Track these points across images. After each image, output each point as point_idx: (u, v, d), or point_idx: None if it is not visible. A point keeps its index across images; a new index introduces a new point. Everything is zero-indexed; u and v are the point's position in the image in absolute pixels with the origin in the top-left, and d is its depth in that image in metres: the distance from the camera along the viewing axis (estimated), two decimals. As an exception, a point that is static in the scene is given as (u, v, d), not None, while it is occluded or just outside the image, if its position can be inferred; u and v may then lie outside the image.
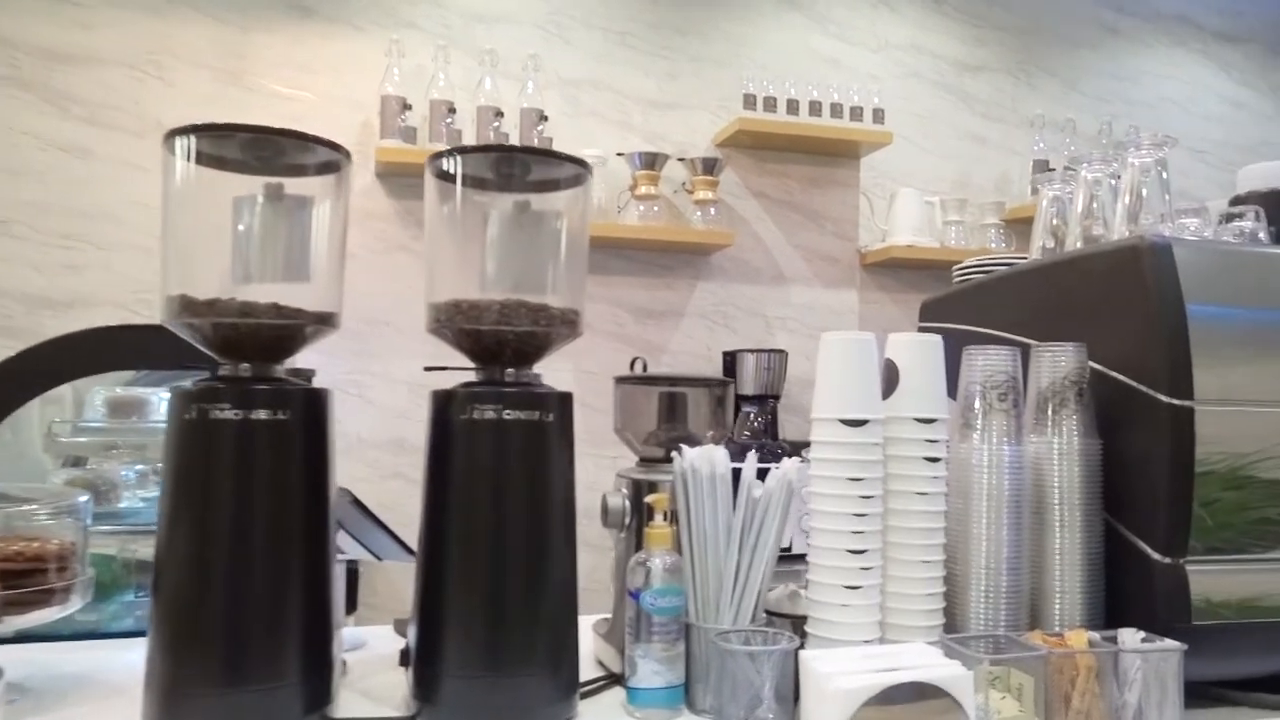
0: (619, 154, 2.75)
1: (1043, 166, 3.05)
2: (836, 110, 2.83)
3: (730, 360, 2.77)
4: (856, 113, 2.85)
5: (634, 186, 2.72)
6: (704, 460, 1.02)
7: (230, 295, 0.90)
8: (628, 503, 1.08)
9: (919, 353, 1.00)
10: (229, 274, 0.92)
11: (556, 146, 2.71)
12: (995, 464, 1.01)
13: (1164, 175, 1.09)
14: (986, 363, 1.03)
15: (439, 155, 0.98)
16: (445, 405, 0.95)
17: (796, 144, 2.90)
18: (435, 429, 0.96)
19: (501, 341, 0.96)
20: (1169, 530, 0.98)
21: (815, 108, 2.81)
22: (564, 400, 0.97)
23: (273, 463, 0.89)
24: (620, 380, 1.14)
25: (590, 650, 1.17)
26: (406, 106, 2.61)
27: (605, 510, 1.08)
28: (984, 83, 3.22)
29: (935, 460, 0.99)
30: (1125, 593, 1.02)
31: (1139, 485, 1.01)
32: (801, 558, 1.01)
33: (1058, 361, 1.05)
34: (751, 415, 2.62)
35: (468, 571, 0.92)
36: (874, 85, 2.98)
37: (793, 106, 2.80)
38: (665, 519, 1.00)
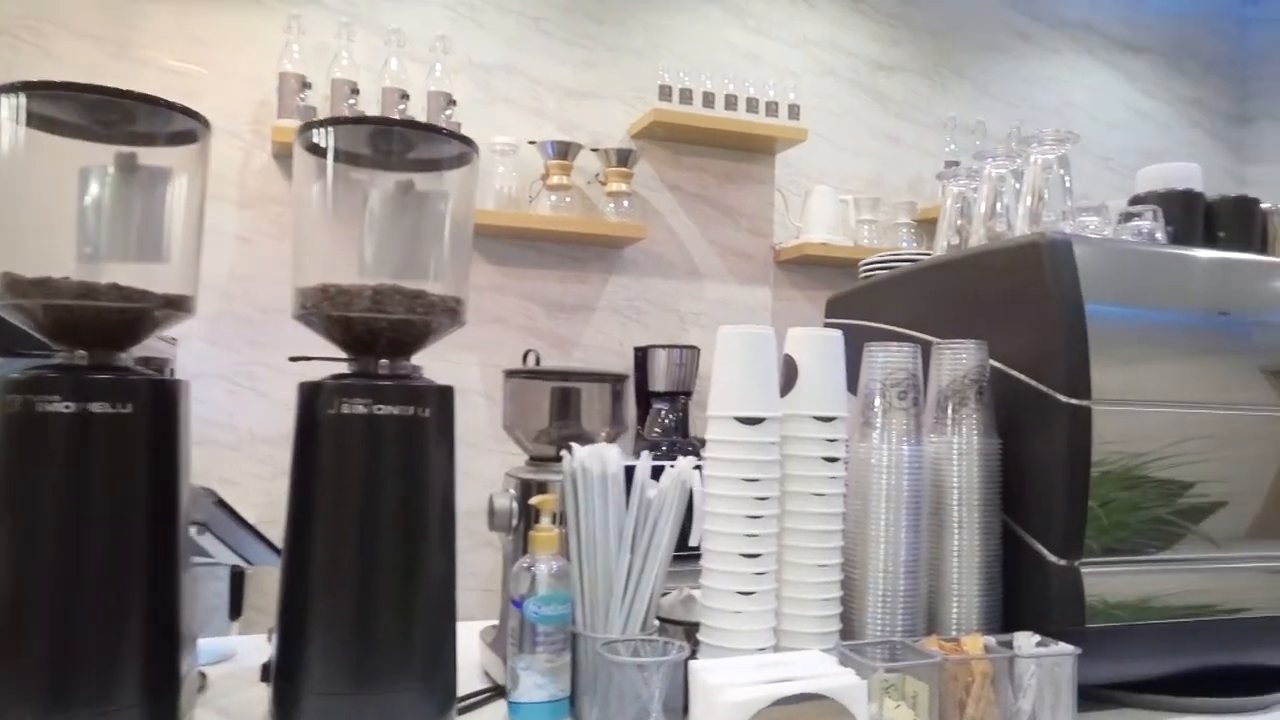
0: (531, 142, 2.68)
1: (954, 169, 3.08)
2: (753, 105, 2.81)
3: (642, 356, 2.72)
4: (772, 108, 2.83)
5: (546, 176, 2.65)
6: (595, 459, 0.97)
7: (65, 275, 0.81)
8: (515, 504, 1.02)
9: (818, 349, 0.96)
10: (67, 252, 0.83)
11: (466, 132, 2.62)
12: (894, 464, 0.98)
13: (1065, 173, 1.08)
14: (887, 360, 1.00)
15: (309, 126, 0.91)
16: (312, 399, 0.87)
17: (712, 138, 2.87)
18: (301, 424, 0.89)
19: (374, 330, 0.88)
20: (1065, 532, 0.96)
21: (731, 101, 2.78)
22: (443, 395, 0.91)
23: (111, 461, 0.80)
24: (510, 374, 1.08)
25: (477, 661, 1.11)
26: (306, 85, 2.49)
27: (492, 512, 1.02)
28: (898, 83, 3.24)
29: (834, 460, 0.95)
30: (1022, 595, 1.00)
31: (1037, 486, 1.00)
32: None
33: (958, 359, 1.03)
34: (663, 412, 2.58)
35: (333, 579, 0.85)
36: (791, 81, 2.97)
37: (709, 100, 2.76)
38: (553, 521, 0.95)
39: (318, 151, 0.92)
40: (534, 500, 0.94)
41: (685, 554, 0.98)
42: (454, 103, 2.58)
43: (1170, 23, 3.69)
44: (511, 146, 2.63)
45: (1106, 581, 0.97)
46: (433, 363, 2.52)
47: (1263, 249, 1.19)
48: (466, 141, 0.95)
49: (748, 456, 0.91)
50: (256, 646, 1.16)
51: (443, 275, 0.94)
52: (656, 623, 0.98)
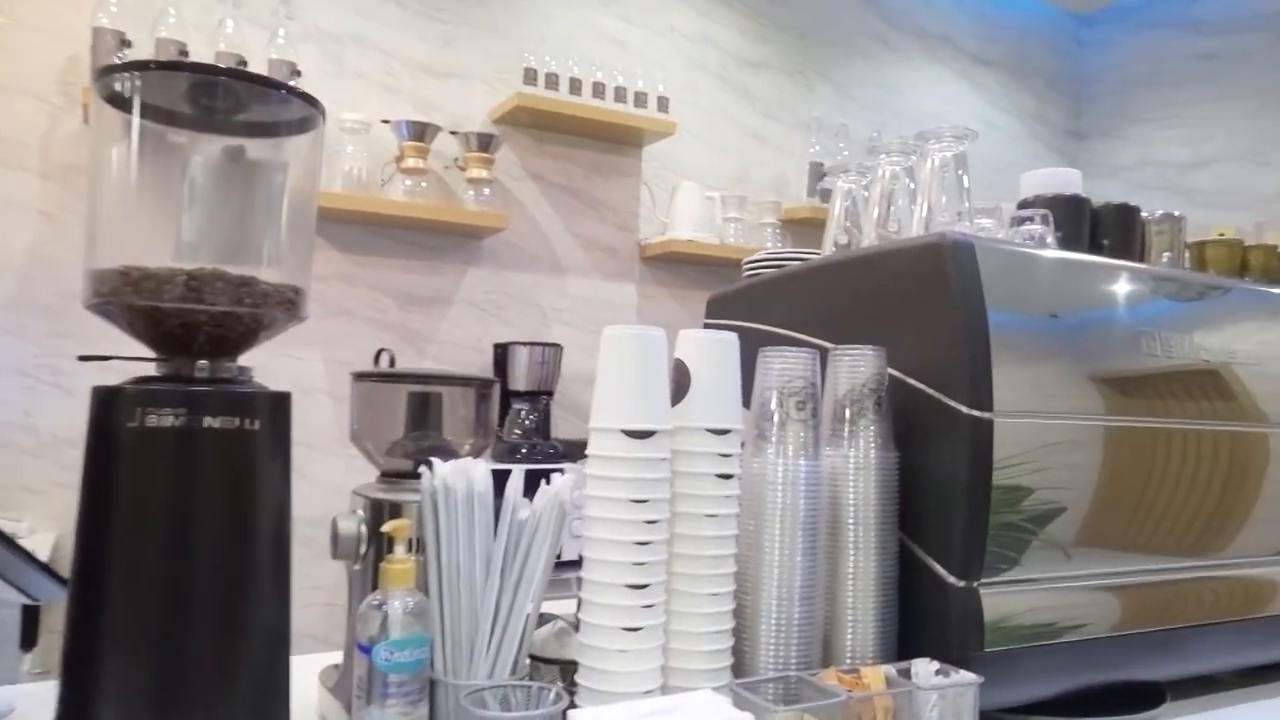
0: (384, 121, 2.49)
1: (818, 170, 3.09)
2: (620, 95, 2.71)
3: (502, 353, 2.58)
4: (641, 99, 2.75)
5: (400, 158, 2.47)
6: (459, 476, 0.84)
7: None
8: (364, 528, 0.88)
9: (713, 353, 0.87)
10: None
11: (312, 107, 2.41)
12: (791, 480, 0.90)
13: (963, 173, 1.03)
14: (784, 367, 0.92)
15: (111, 71, 0.74)
16: (107, 407, 0.71)
17: (579, 126, 2.76)
18: (94, 439, 0.72)
19: (190, 325, 0.73)
20: (964, 552, 0.91)
21: (599, 89, 2.68)
22: (277, 403, 0.76)
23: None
24: (360, 377, 0.94)
25: (314, 705, 0.96)
26: (125, 43, 2.21)
27: (335, 538, 0.87)
28: (765, 81, 3.22)
29: (729, 478, 0.86)
30: (919, 618, 0.94)
31: (936, 503, 0.94)
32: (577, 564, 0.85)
33: (856, 367, 0.96)
34: (523, 413, 2.45)
35: (133, 622, 0.69)
36: (659, 73, 2.89)
37: (576, 86, 2.65)
38: (409, 550, 0.82)
39: (121, 104, 0.75)
40: (386, 526, 0.81)
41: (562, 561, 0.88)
42: (298, 73, 2.36)
43: (1016, 39, 3.84)
44: (363, 125, 2.44)
45: (1004, 602, 0.92)
46: (268, 359, 2.30)
47: (1141, 257, 1.18)
48: (311, 102, 0.81)
49: (636, 474, 0.81)
50: (44, 697, 0.97)
51: (279, 260, 0.79)
52: (528, 662, 0.86)
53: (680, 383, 0.87)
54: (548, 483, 0.86)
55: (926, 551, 0.94)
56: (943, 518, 0.93)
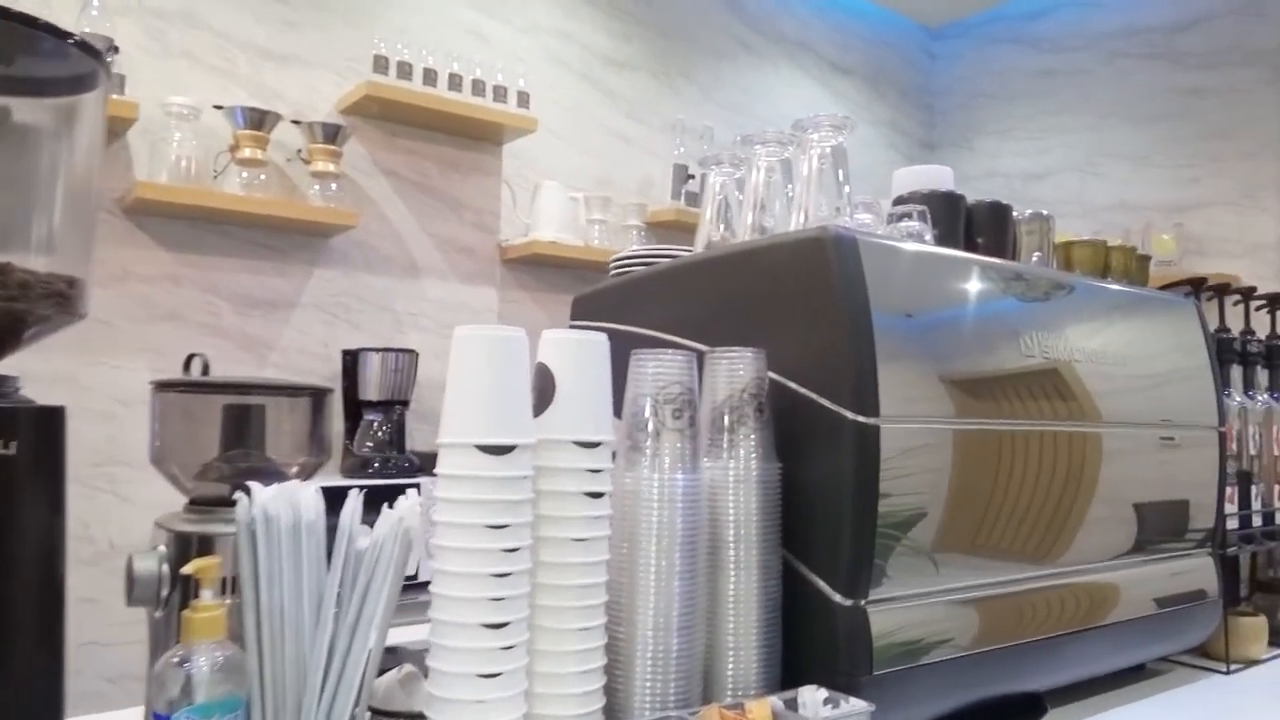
0: (217, 107, 2.28)
1: (683, 172, 3.05)
2: (479, 88, 2.59)
3: (351, 360, 2.41)
4: (500, 93, 2.63)
5: (235, 148, 2.26)
6: (283, 503, 0.71)
7: None
8: (166, 568, 0.74)
9: (580, 356, 0.78)
10: None
11: (134, 89, 2.18)
12: (668, 496, 0.81)
13: (842, 166, 0.97)
14: (659, 371, 0.83)
15: None
16: None
17: (435, 120, 2.61)
18: None
19: (-80, 324, 0.58)
20: (851, 568, 0.85)
21: (455, 81, 2.54)
22: (44, 420, 0.62)
23: None
24: (161, 387, 0.79)
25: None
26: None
27: (130, 580, 0.73)
28: (629, 81, 3.16)
29: (599, 496, 0.77)
30: (805, 641, 0.88)
31: (820, 516, 0.87)
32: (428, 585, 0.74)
33: (735, 370, 0.88)
34: (375, 424, 2.29)
35: None
36: (520, 67, 2.78)
37: (430, 77, 2.50)
38: (220, 592, 0.69)
39: None
40: (189, 567, 0.67)
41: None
42: (116, 50, 2.13)
43: (872, 49, 3.93)
44: (192, 110, 2.22)
45: (893, 620, 0.86)
46: (84, 368, 2.05)
47: (1014, 256, 1.16)
48: (92, 54, 0.66)
49: (493, 496, 0.70)
50: None
51: (49, 246, 0.65)
52: (369, 718, 0.74)
53: (543, 390, 0.77)
54: (390, 507, 0.74)
55: (812, 569, 0.88)
56: (828, 532, 0.86)
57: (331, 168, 2.38)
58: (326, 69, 2.54)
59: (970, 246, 1.12)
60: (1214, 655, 1.31)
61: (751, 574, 0.86)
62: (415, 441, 2.39)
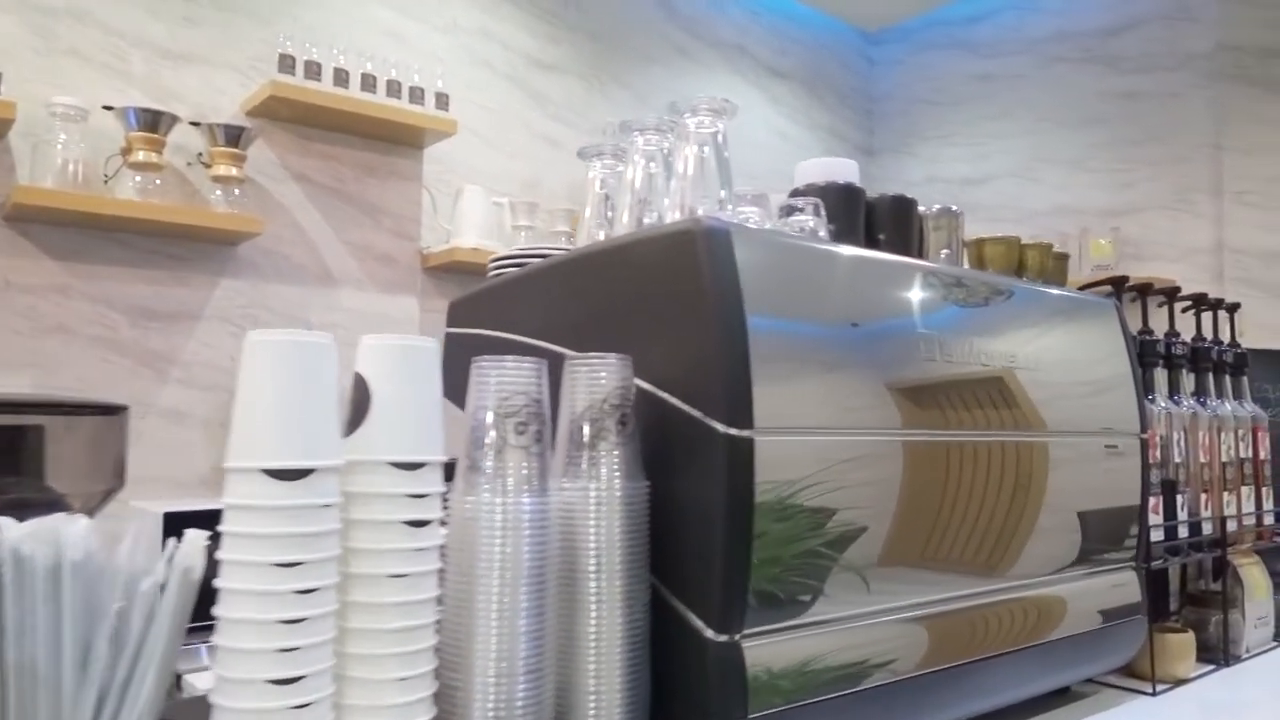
0: (107, 108, 2.15)
1: (613, 176, 2.96)
2: (394, 89, 2.48)
3: (259, 373, 2.28)
4: (417, 94, 2.52)
5: (127, 151, 2.13)
6: (40, 542, 0.61)
7: None
8: (-98, 620, 0.62)
9: (402, 364, 0.68)
10: None
11: (15, 88, 2.04)
12: (511, 523, 0.71)
13: (725, 153, 0.89)
14: (501, 380, 0.73)
15: None
16: None
17: (350, 123, 2.50)
18: None
19: None
20: (723, 598, 0.76)
21: (369, 82, 2.43)
22: None
23: None
24: (-93, 407, 0.68)
25: None
26: None
27: None
28: (557, 84, 3.07)
29: (423, 524, 0.67)
30: (674, 680, 0.78)
31: (690, 540, 0.78)
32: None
33: (596, 378, 0.79)
34: (278, 441, 2.16)
35: None
36: (439, 68, 2.67)
37: (341, 77, 2.39)
38: (-46, 650, 0.58)
39: None
40: (-97, 622, 0.56)
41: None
42: (-7, 47, 1.99)
43: (810, 53, 3.88)
44: (78, 111, 2.08)
45: (773, 654, 0.77)
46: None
47: (920, 253, 1.09)
48: None
49: (284, 529, 0.60)
50: None
51: None
52: (145, 791, 0.63)
53: (358, 405, 0.67)
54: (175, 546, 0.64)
55: (682, 600, 0.78)
56: (698, 558, 0.77)
57: (234, 172, 2.26)
58: (230, 69, 2.42)
59: (872, 243, 1.04)
60: (1141, 675, 1.24)
61: (615, 608, 0.76)
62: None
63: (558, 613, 0.75)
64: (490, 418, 0.73)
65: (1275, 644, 1.46)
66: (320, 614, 0.61)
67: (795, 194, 1.01)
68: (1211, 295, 1.57)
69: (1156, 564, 1.25)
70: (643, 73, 3.30)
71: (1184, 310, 1.54)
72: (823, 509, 0.80)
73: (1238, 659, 1.37)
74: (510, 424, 0.72)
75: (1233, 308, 1.56)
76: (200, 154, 2.29)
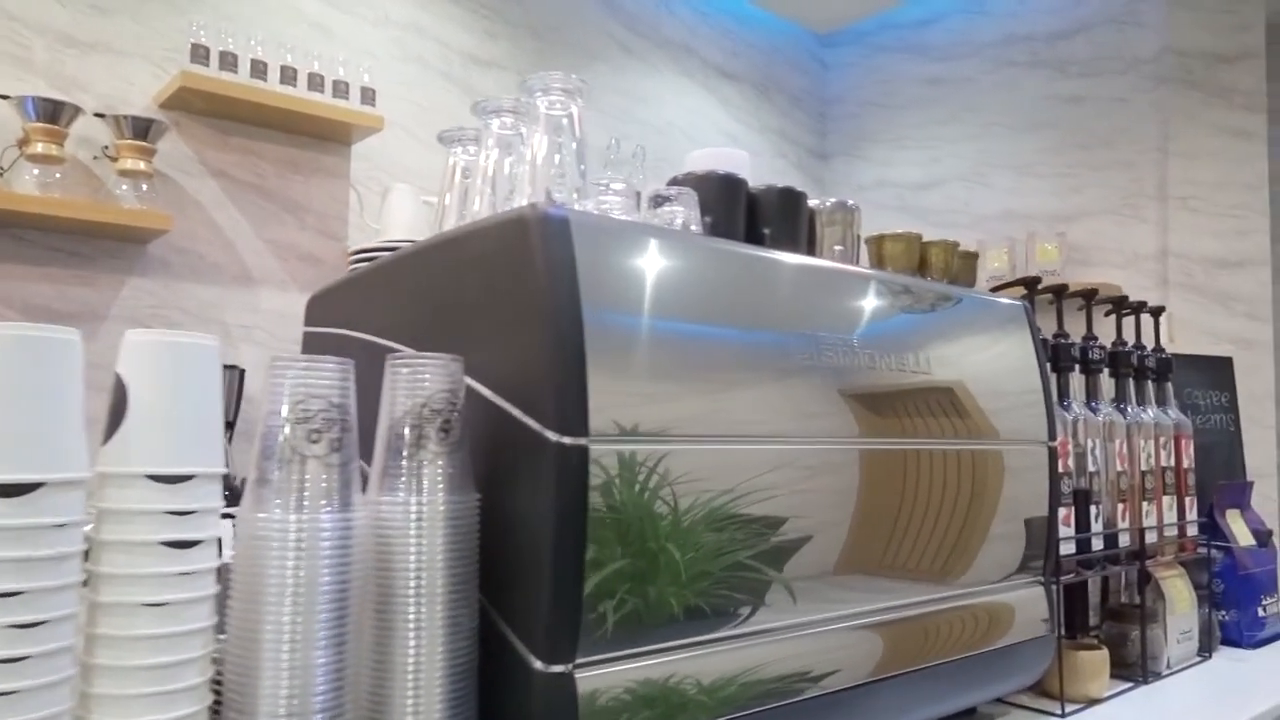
0: (3, 97, 2.04)
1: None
2: (316, 82, 2.39)
3: (169, 377, 2.18)
4: (341, 88, 2.43)
5: (25, 143, 2.03)
6: None
7: None
8: None
9: (168, 364, 0.60)
10: None
11: (-98, 76, 1.93)
12: (307, 542, 0.64)
13: (579, 132, 0.81)
14: (297, 383, 0.66)
15: None
16: None
17: (272, 118, 2.40)
18: None
19: None
20: (552, 624, 0.68)
21: (289, 75, 2.34)
22: None
23: None
24: None
25: None
26: None
27: None
28: (495, 81, 2.99)
29: (188, 546, 0.59)
30: (501, 716, 0.71)
31: (520, 559, 0.71)
32: None
33: (418, 380, 0.71)
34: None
35: None
36: (367, 62, 2.59)
37: (259, 69, 2.30)
38: None
39: None
40: None
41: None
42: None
43: (761, 55, 3.83)
44: (-30, 99, 1.98)
45: (612, 685, 0.70)
46: None
47: (810, 250, 1.02)
48: None
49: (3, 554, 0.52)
50: None
51: None
52: None
53: (115, 409, 0.59)
54: None
55: (512, 626, 0.71)
56: (527, 580, 0.70)
57: (142, 166, 2.16)
58: (142, 59, 2.32)
59: (755, 239, 0.98)
60: (1052, 694, 1.18)
61: (436, 636, 0.69)
62: (239, 467, 2.17)
63: (370, 643, 0.68)
64: (283, 424, 0.65)
65: (1199, 658, 1.41)
66: (46, 651, 0.53)
67: (673, 184, 0.94)
68: (1155, 302, 1.52)
69: (1067, 578, 1.19)
70: (586, 71, 3.23)
71: (1107, 314, 1.49)
72: (674, 525, 0.73)
73: (1157, 676, 1.31)
74: (303, 431, 0.64)
75: (1156, 311, 1.51)
76: (106, 147, 2.19)
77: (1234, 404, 1.76)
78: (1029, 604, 1.12)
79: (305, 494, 0.64)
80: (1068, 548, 1.20)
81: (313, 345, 1.02)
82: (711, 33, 3.64)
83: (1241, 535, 1.58)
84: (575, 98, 0.82)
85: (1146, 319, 1.51)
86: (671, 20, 3.51)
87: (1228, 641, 1.50)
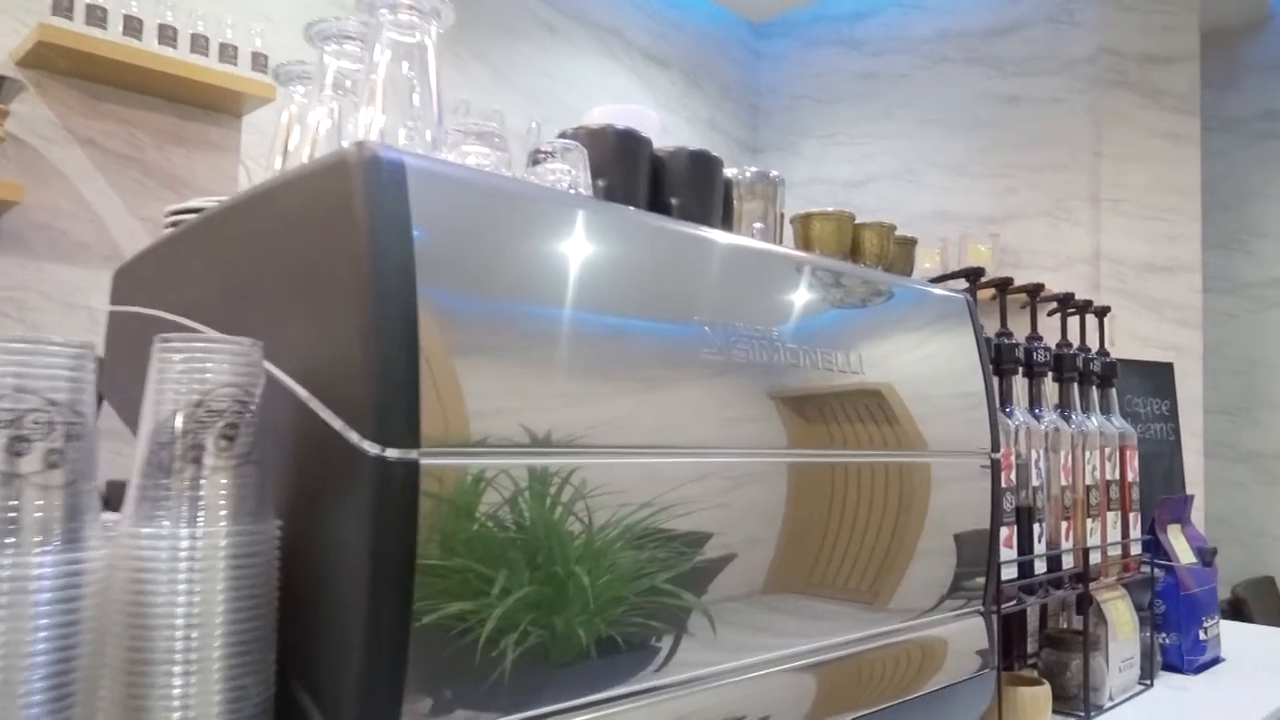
0: None
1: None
2: (200, 44, 2.16)
3: (20, 367, 1.94)
4: (229, 52, 2.21)
5: None
6: None
7: None
8: None
9: None
10: None
11: None
12: (7, 597, 0.46)
13: (434, 66, 0.65)
14: (21, 377, 0.48)
15: None
16: None
17: (150, 82, 2.17)
18: None
19: None
20: (361, 697, 0.51)
21: (168, 34, 2.11)
22: None
23: None
24: None
25: None
26: None
27: None
28: (407, 55, 2.79)
29: None
30: (301, 818, 0.54)
31: (327, 610, 0.54)
32: None
33: (195, 372, 0.54)
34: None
35: None
36: (261, 25, 2.37)
37: (133, 26, 2.06)
38: None
39: None
40: None
41: None
42: None
43: (692, 41, 3.69)
44: None
45: (450, 774, 0.54)
46: None
47: (726, 225, 0.87)
48: None
49: None
50: None
51: None
52: None
53: None
54: None
55: (313, 697, 0.54)
56: (333, 637, 0.53)
57: (-9, 128, 1.91)
58: (1, 11, 2.07)
59: (660, 210, 0.82)
60: (989, 737, 1.05)
61: (208, 710, 0.51)
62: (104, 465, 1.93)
63: (111, 714, 0.50)
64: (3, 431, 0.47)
65: (1141, 687, 1.30)
66: None
67: (562, 139, 0.78)
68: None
69: (1009, 607, 1.06)
70: (504, 49, 3.04)
71: (1050, 314, 1.38)
72: (535, 563, 0.57)
73: (1099, 709, 1.19)
74: (4, 439, 0.46)
75: (1102, 312, 1.40)
76: (-50, 106, 1.94)
77: (1174, 412, 1.67)
78: (967, 637, 0.98)
79: (21, 529, 0.46)
80: (1009, 571, 1.07)
81: (117, 328, 0.83)
82: (639, 15, 3.49)
83: (1183, 552, 1.48)
84: (432, 21, 0.65)
85: (1090, 321, 1.40)
86: (597, 1, 3.34)
87: (1168, 667, 1.39)
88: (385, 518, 0.51)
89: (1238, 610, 2.87)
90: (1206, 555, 1.45)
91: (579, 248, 0.64)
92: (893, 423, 0.87)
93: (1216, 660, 1.45)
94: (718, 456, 0.69)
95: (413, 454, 0.52)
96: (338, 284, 0.55)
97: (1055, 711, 1.14)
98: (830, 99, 3.73)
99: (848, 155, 3.67)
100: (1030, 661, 1.28)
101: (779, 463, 0.75)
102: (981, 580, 1.00)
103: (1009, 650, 1.23)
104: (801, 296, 0.80)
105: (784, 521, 0.75)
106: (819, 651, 0.80)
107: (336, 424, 0.53)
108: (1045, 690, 1.09)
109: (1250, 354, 3.50)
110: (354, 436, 0.52)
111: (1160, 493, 1.55)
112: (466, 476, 0.54)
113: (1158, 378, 1.66)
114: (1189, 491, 1.64)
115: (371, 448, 0.51)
